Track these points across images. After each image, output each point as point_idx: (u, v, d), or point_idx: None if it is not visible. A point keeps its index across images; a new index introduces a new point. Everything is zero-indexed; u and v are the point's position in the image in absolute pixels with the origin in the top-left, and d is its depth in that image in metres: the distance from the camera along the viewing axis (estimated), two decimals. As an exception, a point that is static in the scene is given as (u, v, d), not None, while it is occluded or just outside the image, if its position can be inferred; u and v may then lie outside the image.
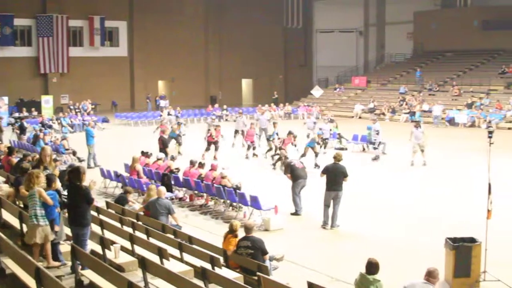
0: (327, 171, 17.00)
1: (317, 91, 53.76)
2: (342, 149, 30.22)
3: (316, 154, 26.68)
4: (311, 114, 48.61)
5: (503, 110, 45.11)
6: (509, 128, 42.12)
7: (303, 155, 25.81)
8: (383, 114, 49.44)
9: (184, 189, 20.57)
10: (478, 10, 61.93)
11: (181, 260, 11.67)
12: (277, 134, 28.80)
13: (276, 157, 26.65)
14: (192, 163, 21.29)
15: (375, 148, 29.14)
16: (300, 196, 18.36)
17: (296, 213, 18.24)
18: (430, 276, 9.12)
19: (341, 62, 66.26)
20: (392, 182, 23.77)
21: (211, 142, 29.03)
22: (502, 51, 57.75)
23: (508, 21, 56.57)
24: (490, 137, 13.03)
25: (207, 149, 28.91)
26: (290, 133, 26.74)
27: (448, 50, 61.12)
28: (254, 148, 30.04)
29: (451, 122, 44.97)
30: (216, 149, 28.97)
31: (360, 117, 49.97)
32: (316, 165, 25.40)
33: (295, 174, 18.35)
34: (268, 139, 30.17)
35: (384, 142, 30.25)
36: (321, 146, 28.93)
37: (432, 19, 62.89)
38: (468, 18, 60.26)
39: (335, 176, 16.72)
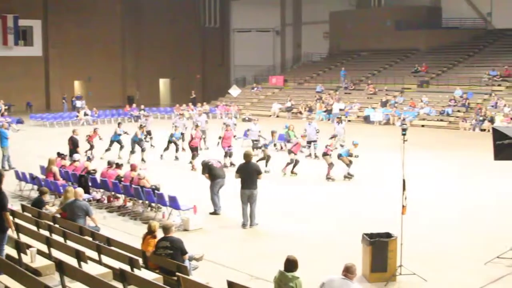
0: (240, 170, 17.07)
1: (234, 91, 53.93)
2: (260, 148, 30.33)
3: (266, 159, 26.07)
4: (230, 113, 48.78)
5: (416, 108, 46.27)
6: (422, 126, 43.24)
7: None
8: (300, 113, 49.95)
9: (101, 190, 20.30)
10: (391, 10, 63.38)
11: (99, 262, 11.51)
12: (274, 144, 28.38)
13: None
14: (109, 163, 21.05)
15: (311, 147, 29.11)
16: (218, 195, 18.35)
17: (215, 213, 18.22)
18: (348, 271, 9.26)
19: (258, 61, 66.66)
20: (310, 179, 23.98)
21: (194, 147, 26.52)
22: (415, 51, 59.23)
23: (420, 21, 58.07)
24: (404, 134, 13.32)
25: (194, 156, 26.16)
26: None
27: (363, 50, 62.25)
28: (230, 155, 26.80)
29: (367, 120, 45.80)
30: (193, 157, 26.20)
31: (277, 116, 50.35)
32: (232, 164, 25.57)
33: (213, 174, 18.31)
34: (259, 147, 28.18)
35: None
36: (253, 148, 28.54)
37: (347, 19, 63.96)
38: (381, 18, 61.58)
39: (248, 175, 16.76)
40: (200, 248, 13.20)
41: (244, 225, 16.72)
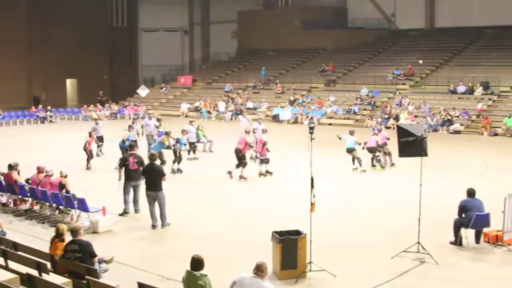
0: (144, 172, 16.97)
1: (143, 91, 53.43)
2: (169, 148, 30.15)
3: (178, 160, 25.60)
4: (138, 113, 48.43)
5: (324, 106, 46.97)
6: (330, 124, 43.92)
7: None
8: (209, 112, 49.96)
9: (7, 194, 19.77)
10: (298, 10, 64.13)
11: (6, 267, 11.23)
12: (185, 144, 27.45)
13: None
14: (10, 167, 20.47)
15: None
16: (130, 195, 18.19)
17: (124, 213, 18.09)
18: (259, 270, 9.32)
19: (166, 61, 66.36)
20: (219, 179, 24.02)
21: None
22: (322, 50, 60.15)
23: (327, 21, 58.98)
24: (311, 132, 13.50)
25: (241, 164, 23.88)
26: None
27: (271, 49, 62.74)
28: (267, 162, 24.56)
29: (275, 119, 46.21)
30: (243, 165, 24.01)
31: (186, 116, 50.13)
32: (176, 171, 25.12)
33: (126, 174, 18.14)
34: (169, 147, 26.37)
35: (211, 140, 30.72)
36: (189, 151, 28.45)
37: (255, 19, 64.38)
38: (289, 18, 62.22)
39: (152, 177, 16.67)
40: (109, 250, 13.05)
41: (153, 226, 16.60)
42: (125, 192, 18.20)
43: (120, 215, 17.98)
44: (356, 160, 25.34)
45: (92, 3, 62.34)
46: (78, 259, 11.11)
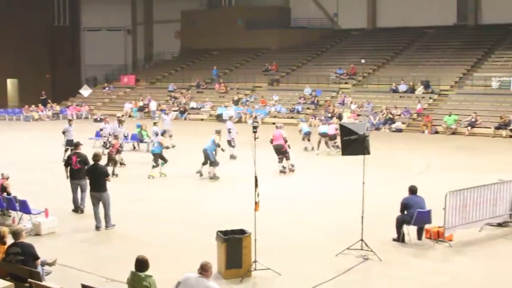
0: (87, 172, 16.81)
1: (85, 91, 52.83)
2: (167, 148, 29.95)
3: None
4: (81, 113, 47.96)
5: (267, 106, 47.14)
6: (273, 123, 43.94)
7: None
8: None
9: None
10: (242, 10, 64.28)
11: None
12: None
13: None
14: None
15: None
16: (82, 193, 18.03)
17: (75, 210, 18.06)
18: (203, 269, 9.33)
19: (109, 60, 65.72)
20: (164, 179, 23.93)
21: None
22: (265, 50, 60.37)
23: (270, 20, 59.21)
24: (255, 131, 13.55)
25: (285, 157, 24.51)
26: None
27: (215, 49, 62.72)
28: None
29: (219, 118, 46.17)
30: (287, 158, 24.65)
31: (130, 116, 49.76)
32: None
33: (70, 173, 17.96)
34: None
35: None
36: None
37: (198, 18, 64.30)
38: (232, 17, 62.38)
39: (96, 177, 16.51)
40: (53, 253, 12.89)
41: (97, 228, 16.43)
42: (73, 191, 18.02)
43: (73, 211, 18.02)
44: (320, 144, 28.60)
45: (33, 2, 61.33)
46: (20, 262, 10.95)
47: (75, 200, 18.10)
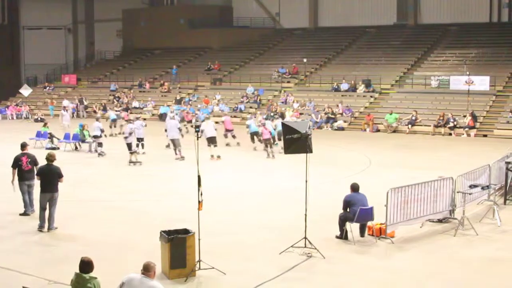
0: (41, 173, 16.51)
1: (26, 90, 52.00)
2: (54, 148, 29.65)
3: None
4: (21, 113, 47.18)
5: (210, 105, 47.09)
6: (216, 122, 43.91)
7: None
8: (95, 112, 49.17)
9: None
10: (184, 9, 64.22)
11: None
12: None
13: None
14: None
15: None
16: (30, 195, 17.66)
17: (25, 213, 17.66)
18: (146, 269, 9.29)
19: (50, 59, 64.81)
20: (105, 180, 23.76)
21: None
22: (208, 49, 60.34)
23: (213, 19, 59.26)
24: (197, 131, 13.54)
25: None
26: None
27: (157, 48, 62.53)
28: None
29: (162, 117, 45.90)
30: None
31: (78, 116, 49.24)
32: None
33: (19, 174, 17.56)
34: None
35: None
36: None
37: (140, 17, 64.06)
38: (175, 16, 62.26)
39: (49, 178, 16.26)
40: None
41: (40, 229, 16.18)
42: (23, 192, 17.67)
43: (21, 214, 17.61)
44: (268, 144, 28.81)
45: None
46: (-41, 265, 10.76)
47: (26, 202, 17.75)
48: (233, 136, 32.36)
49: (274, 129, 29.77)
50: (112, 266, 12.60)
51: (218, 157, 27.88)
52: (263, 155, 28.74)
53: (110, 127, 36.86)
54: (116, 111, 44.88)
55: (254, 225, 16.75)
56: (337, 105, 42.82)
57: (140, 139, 29.35)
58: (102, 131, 29.53)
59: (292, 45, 58.06)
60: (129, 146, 26.73)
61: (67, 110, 37.69)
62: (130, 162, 26.51)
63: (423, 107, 41.05)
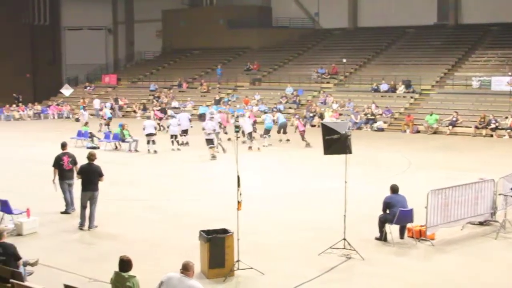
0: (82, 171, 16.67)
1: (66, 90, 52.60)
2: (94, 148, 29.93)
3: None
4: (62, 113, 47.79)
5: (249, 105, 47.08)
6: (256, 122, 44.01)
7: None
8: (135, 111, 49.56)
9: None
10: (223, 9, 64.36)
11: None
12: None
13: None
14: None
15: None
16: (70, 194, 17.90)
17: (66, 212, 17.88)
18: (185, 269, 9.32)
19: (91, 60, 65.39)
20: (145, 179, 23.91)
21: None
22: (247, 49, 60.34)
23: (252, 20, 59.25)
24: (237, 131, 13.54)
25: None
26: None
27: (196, 48, 62.69)
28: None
29: (201, 117, 46.03)
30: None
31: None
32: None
33: (60, 174, 17.78)
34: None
35: (136, 139, 30.48)
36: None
37: (180, 18, 64.25)
38: (214, 17, 62.35)
39: (90, 176, 16.43)
40: (34, 253, 12.81)
41: (81, 227, 16.35)
42: (64, 191, 17.89)
43: (62, 213, 17.85)
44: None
45: (12, 2, 60.84)
46: (1, 262, 10.89)
47: (67, 201, 17.96)
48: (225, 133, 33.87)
49: (274, 122, 33.13)
50: (151, 265, 12.68)
51: (258, 148, 29.96)
52: (301, 155, 28.71)
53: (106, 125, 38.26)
54: (155, 110, 45.28)
55: (292, 225, 16.71)
56: (371, 106, 42.42)
57: (175, 136, 31.09)
58: (155, 128, 30.21)
59: (331, 45, 57.85)
60: (209, 141, 27.96)
61: (86, 110, 38.42)
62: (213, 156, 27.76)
63: (464, 108, 40.57)
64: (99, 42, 69.56)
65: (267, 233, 15.84)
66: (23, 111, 50.54)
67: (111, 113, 42.04)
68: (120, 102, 51.99)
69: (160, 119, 38.18)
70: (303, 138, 31.70)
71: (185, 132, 31.68)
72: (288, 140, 33.08)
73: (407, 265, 13.51)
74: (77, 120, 44.77)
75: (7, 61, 59.96)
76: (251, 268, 12.66)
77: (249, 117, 32.53)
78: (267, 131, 32.11)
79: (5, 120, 48.94)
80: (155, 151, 29.62)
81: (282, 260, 13.73)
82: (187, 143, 31.58)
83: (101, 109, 45.47)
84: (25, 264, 11.64)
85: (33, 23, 66.01)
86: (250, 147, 29.81)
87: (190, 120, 33.41)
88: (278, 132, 33.17)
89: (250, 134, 30.39)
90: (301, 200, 19.95)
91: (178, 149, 30.50)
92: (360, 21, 59.39)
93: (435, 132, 38.91)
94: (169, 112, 40.77)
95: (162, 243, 15.15)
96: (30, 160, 27.61)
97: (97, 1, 66.90)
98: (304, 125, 32.41)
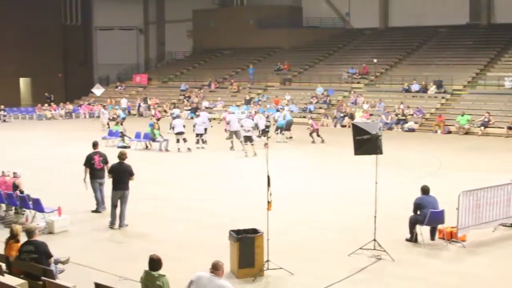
0: (113, 170, 16.79)
1: (98, 90, 52.91)
2: (125, 147, 30.10)
3: None
4: (93, 112, 48.11)
5: (279, 105, 47.01)
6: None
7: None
8: (165, 111, 49.73)
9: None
10: (253, 9, 64.33)
11: (-41, 270, 11.06)
12: None
13: None
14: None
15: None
16: (101, 193, 18.07)
17: (96, 211, 18.05)
18: (214, 268, 9.34)
19: (122, 60, 65.77)
20: (175, 179, 24.00)
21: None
22: (277, 49, 60.28)
23: (282, 20, 59.18)
24: (267, 131, 13.55)
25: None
26: None
27: (226, 48, 62.76)
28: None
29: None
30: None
31: (141, 115, 49.98)
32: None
33: (91, 173, 17.92)
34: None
35: (167, 139, 30.60)
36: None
37: (210, 18, 64.30)
38: (244, 16, 62.36)
39: (121, 176, 16.54)
40: (65, 251, 12.93)
41: (111, 226, 16.46)
42: (95, 190, 18.04)
43: (93, 212, 18.04)
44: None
45: (44, 2, 61.38)
46: (33, 260, 10.99)
47: (98, 200, 18.12)
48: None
49: (283, 119, 32.18)
50: (181, 264, 12.71)
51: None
52: (331, 156, 28.65)
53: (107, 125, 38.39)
54: (186, 110, 45.50)
55: (322, 226, 16.68)
56: (401, 106, 42.13)
57: (200, 134, 31.25)
58: (184, 126, 30.32)
59: (362, 45, 57.58)
60: (249, 138, 27.76)
61: (106, 109, 38.98)
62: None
63: (496, 108, 40.11)
64: (130, 42, 69.95)
65: (297, 233, 15.84)
66: (55, 110, 50.95)
67: (124, 113, 42.35)
68: (149, 102, 52.19)
69: (158, 119, 38.23)
70: (318, 135, 32.90)
71: (204, 130, 31.77)
72: (290, 137, 33.10)
73: (438, 267, 13.41)
74: (98, 117, 45.27)
75: (40, 61, 60.50)
76: (281, 268, 12.66)
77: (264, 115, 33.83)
78: (279, 129, 32.13)
79: (37, 119, 49.41)
80: (189, 149, 29.76)
81: (311, 260, 13.71)
82: (205, 142, 31.62)
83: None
84: (56, 262, 11.75)
85: (65, 23, 66.55)
86: (266, 144, 29.48)
87: (210, 120, 34.06)
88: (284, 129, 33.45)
89: (264, 131, 30.36)
90: (331, 200, 19.90)
91: (202, 147, 30.64)
92: (391, 21, 59.02)
93: (466, 133, 38.55)
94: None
95: (192, 242, 15.20)
96: (61, 159, 27.84)
97: (128, 1, 67.29)
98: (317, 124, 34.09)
